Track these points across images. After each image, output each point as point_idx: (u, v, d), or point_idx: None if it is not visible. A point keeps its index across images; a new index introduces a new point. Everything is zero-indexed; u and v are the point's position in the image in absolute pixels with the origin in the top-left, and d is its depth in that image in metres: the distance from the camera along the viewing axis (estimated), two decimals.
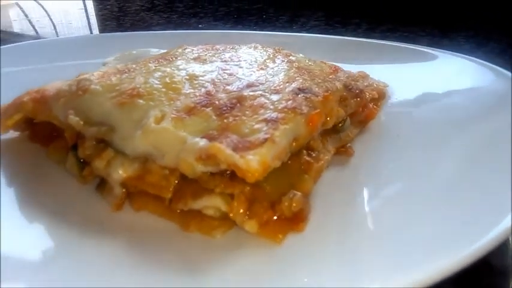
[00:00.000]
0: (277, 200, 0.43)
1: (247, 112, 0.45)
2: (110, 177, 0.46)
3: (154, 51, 0.77)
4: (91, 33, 1.42)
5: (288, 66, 0.56)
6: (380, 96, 0.64)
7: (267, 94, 0.48)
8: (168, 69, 0.54)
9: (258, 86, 0.50)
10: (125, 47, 0.82)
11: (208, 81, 0.51)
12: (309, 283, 0.37)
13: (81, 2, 1.73)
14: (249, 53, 0.62)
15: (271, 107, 0.46)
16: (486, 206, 0.42)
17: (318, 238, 0.42)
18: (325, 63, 0.62)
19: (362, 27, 1.20)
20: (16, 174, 0.53)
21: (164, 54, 0.63)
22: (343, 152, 0.55)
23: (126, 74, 0.53)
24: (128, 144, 0.45)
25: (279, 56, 0.60)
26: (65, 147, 0.52)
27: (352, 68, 0.65)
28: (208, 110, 0.46)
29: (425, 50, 0.79)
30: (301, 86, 0.50)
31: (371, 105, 0.62)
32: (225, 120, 0.44)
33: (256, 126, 0.43)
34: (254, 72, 0.54)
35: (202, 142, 0.41)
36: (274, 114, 0.44)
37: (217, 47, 0.65)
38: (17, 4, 1.79)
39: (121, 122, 0.46)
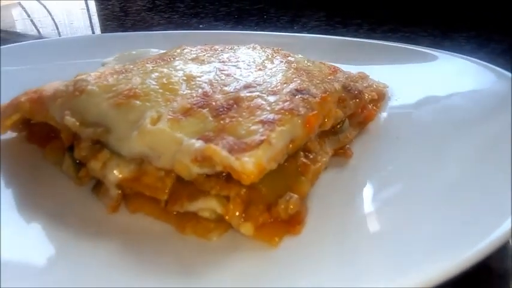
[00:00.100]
0: (273, 203, 0.42)
1: (243, 113, 0.45)
2: (106, 178, 0.45)
3: (154, 51, 0.76)
4: (93, 33, 1.42)
5: (286, 67, 0.56)
6: (380, 97, 0.64)
7: (264, 95, 0.48)
8: (165, 70, 0.54)
9: (256, 87, 0.50)
10: (127, 47, 0.82)
11: (205, 82, 0.51)
12: (305, 285, 0.37)
13: (83, 2, 1.73)
14: (247, 53, 0.61)
15: (268, 108, 0.45)
16: (486, 208, 0.42)
17: (315, 240, 0.42)
18: (324, 64, 0.61)
19: (363, 27, 1.19)
20: (13, 175, 0.52)
21: (162, 54, 0.62)
22: (341, 153, 0.54)
23: (123, 75, 0.53)
24: (124, 145, 0.45)
25: (278, 57, 0.60)
26: (61, 148, 0.52)
27: (352, 69, 0.65)
28: (204, 111, 0.46)
29: (425, 50, 0.79)
30: (298, 87, 0.49)
31: (370, 106, 0.62)
32: (222, 122, 0.44)
33: (253, 127, 0.42)
34: (252, 73, 0.54)
35: (198, 143, 0.41)
36: (270, 116, 0.44)
37: (216, 47, 0.65)
38: (20, 4, 1.79)
39: (117, 122, 0.46)
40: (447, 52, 0.76)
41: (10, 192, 0.50)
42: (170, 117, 0.45)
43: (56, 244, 0.43)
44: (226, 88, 0.50)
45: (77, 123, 0.48)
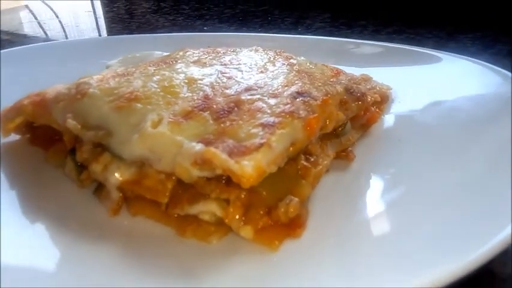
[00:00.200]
0: (273, 206, 0.42)
1: (244, 116, 0.45)
2: (107, 181, 0.46)
3: (158, 53, 0.77)
4: (99, 35, 1.43)
5: (288, 70, 0.56)
6: (383, 99, 0.63)
7: (265, 98, 0.47)
8: (167, 73, 0.54)
9: (257, 89, 0.50)
10: (132, 49, 0.82)
11: (206, 85, 0.51)
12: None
13: (90, 4, 1.75)
14: (249, 56, 0.61)
15: (269, 111, 0.45)
16: (490, 212, 0.42)
17: (316, 244, 0.42)
18: (327, 66, 0.61)
19: (368, 29, 1.19)
20: (16, 177, 0.53)
21: (165, 57, 0.63)
22: (343, 156, 0.54)
23: (125, 78, 0.53)
24: (125, 148, 0.45)
25: (280, 59, 0.60)
26: (64, 151, 0.52)
27: (355, 71, 0.65)
28: (205, 114, 0.46)
29: (429, 52, 0.78)
30: (300, 89, 0.49)
31: (373, 109, 0.61)
32: (222, 125, 0.44)
33: (253, 130, 0.42)
34: (253, 75, 0.54)
35: (198, 147, 0.41)
36: (271, 119, 0.44)
37: (219, 49, 0.65)
38: (27, 6, 1.81)
39: (118, 126, 0.46)
40: (451, 54, 0.76)
41: (13, 194, 0.50)
42: (171, 120, 0.45)
43: (58, 246, 0.43)
44: (227, 91, 0.50)
45: (79, 126, 0.48)
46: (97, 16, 1.63)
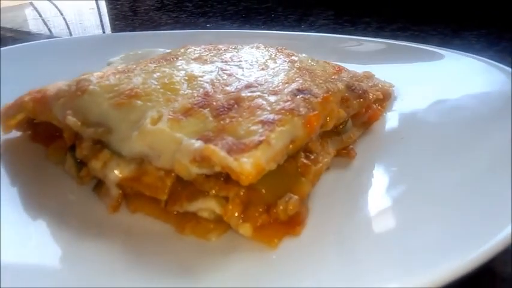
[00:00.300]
0: (273, 203, 0.42)
1: (244, 113, 0.44)
2: (106, 178, 0.46)
3: (161, 51, 0.77)
4: (103, 32, 1.44)
5: (289, 67, 0.56)
6: (385, 96, 0.63)
7: (265, 95, 0.47)
8: (167, 70, 0.54)
9: (257, 86, 0.49)
10: (135, 46, 0.82)
11: (207, 82, 0.51)
12: (304, 287, 0.36)
13: (94, 2, 1.75)
14: (250, 53, 0.61)
15: (269, 108, 0.45)
16: (491, 211, 0.41)
17: (315, 241, 0.41)
18: (328, 63, 0.61)
19: (372, 26, 1.18)
20: (17, 174, 0.53)
21: (166, 54, 0.62)
22: (344, 154, 0.54)
23: (125, 75, 0.53)
24: (125, 145, 0.45)
25: (281, 56, 0.60)
26: (64, 148, 0.52)
27: (358, 68, 0.64)
28: (205, 111, 0.45)
29: (432, 49, 0.77)
30: (300, 86, 0.49)
31: (375, 106, 0.61)
32: (222, 122, 0.44)
33: (252, 127, 0.42)
34: (254, 72, 0.54)
35: (197, 144, 0.41)
36: (271, 116, 0.43)
37: (220, 46, 0.64)
38: (32, 4, 1.81)
39: (118, 122, 0.46)
40: (454, 51, 0.75)
41: (13, 191, 0.50)
42: (170, 117, 0.45)
43: (57, 243, 0.43)
44: (227, 88, 0.50)
45: (79, 123, 0.48)
46: (101, 13, 1.63)
